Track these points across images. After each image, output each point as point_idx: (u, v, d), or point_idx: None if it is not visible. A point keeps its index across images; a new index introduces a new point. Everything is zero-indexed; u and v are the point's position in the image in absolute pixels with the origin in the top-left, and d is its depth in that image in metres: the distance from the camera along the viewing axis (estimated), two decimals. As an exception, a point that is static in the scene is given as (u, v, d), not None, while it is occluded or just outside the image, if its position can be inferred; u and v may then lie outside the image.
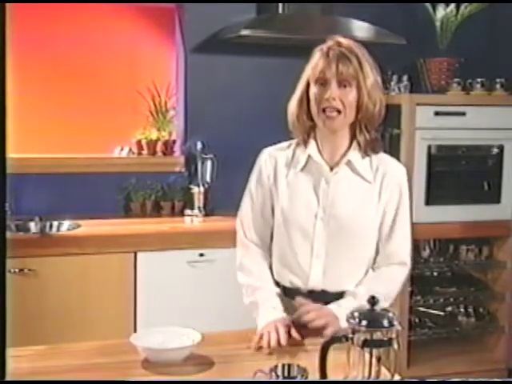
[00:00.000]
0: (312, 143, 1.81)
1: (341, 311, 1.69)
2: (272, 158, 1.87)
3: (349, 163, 1.79)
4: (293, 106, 1.80)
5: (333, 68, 1.69)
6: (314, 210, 1.79)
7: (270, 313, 1.76)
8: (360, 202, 1.79)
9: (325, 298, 1.80)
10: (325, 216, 1.78)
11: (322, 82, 1.71)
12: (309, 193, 1.80)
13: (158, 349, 1.59)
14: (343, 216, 1.78)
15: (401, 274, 1.87)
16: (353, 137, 1.79)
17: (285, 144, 1.89)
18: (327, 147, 1.80)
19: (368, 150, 1.78)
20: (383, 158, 1.84)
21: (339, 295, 1.80)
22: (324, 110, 1.71)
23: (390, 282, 1.83)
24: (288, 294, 1.85)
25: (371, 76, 1.72)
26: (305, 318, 1.68)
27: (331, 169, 1.80)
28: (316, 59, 1.73)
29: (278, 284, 1.88)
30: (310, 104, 1.76)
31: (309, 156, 1.81)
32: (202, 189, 3.53)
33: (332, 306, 1.74)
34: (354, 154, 1.79)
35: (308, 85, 1.75)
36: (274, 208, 1.86)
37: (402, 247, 1.85)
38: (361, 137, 1.77)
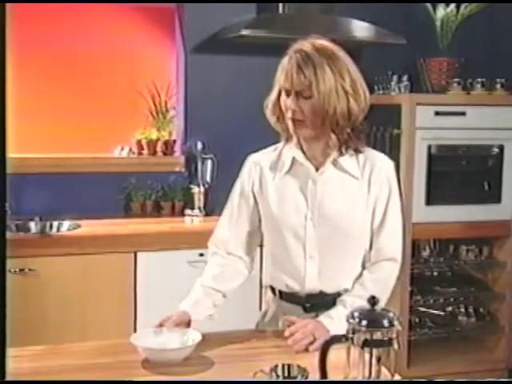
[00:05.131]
0: (296, 144, 1.81)
1: (332, 323, 1.69)
2: (257, 165, 1.87)
3: (334, 162, 1.79)
4: (269, 108, 1.80)
5: (288, 79, 1.70)
6: (303, 211, 1.78)
7: (188, 304, 1.80)
8: (349, 200, 1.78)
9: (323, 300, 1.79)
10: (314, 216, 1.77)
11: (286, 92, 1.73)
12: (297, 195, 1.80)
13: (158, 349, 1.59)
14: (333, 215, 1.77)
15: (391, 271, 1.83)
16: (331, 137, 1.78)
17: (271, 148, 1.89)
18: (311, 147, 1.80)
19: (343, 149, 1.77)
20: (370, 154, 1.83)
21: (338, 296, 1.79)
22: (291, 120, 1.73)
23: (379, 285, 1.78)
24: (285, 298, 1.85)
25: (328, 83, 1.68)
26: (290, 341, 1.66)
27: (317, 169, 1.79)
28: (281, 67, 1.74)
29: (273, 289, 1.88)
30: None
31: (293, 158, 1.81)
32: (202, 189, 3.53)
33: (323, 318, 1.73)
34: (339, 153, 1.78)
35: (280, 90, 1.76)
36: (261, 215, 1.86)
37: (391, 242, 1.83)
38: (335, 138, 1.76)
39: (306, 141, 1.80)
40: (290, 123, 1.74)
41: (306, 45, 1.73)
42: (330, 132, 1.74)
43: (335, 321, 1.70)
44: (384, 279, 1.82)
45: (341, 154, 1.77)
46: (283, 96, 1.74)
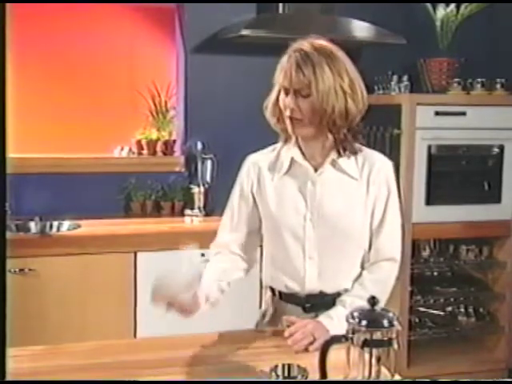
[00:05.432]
0: (294, 145, 1.81)
1: (332, 323, 1.69)
2: (255, 165, 1.87)
3: (333, 162, 1.79)
4: (269, 109, 1.81)
5: (287, 78, 1.71)
6: (302, 212, 1.78)
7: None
8: (348, 200, 1.78)
9: (323, 300, 1.79)
10: (313, 217, 1.78)
11: (285, 91, 1.73)
12: (296, 195, 1.80)
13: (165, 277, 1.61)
14: (332, 215, 1.77)
15: (390, 271, 1.84)
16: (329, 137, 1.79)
17: (269, 148, 1.90)
18: (309, 148, 1.80)
19: (342, 149, 1.78)
20: (368, 154, 1.83)
21: (337, 296, 1.79)
22: (289, 118, 1.73)
23: (379, 285, 1.79)
24: (285, 298, 1.85)
25: (327, 82, 1.69)
26: (290, 341, 1.66)
27: (315, 169, 1.80)
28: (280, 66, 1.75)
29: (272, 290, 1.88)
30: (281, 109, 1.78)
31: (292, 159, 1.81)
32: (202, 189, 3.53)
33: (322, 319, 1.73)
34: (338, 153, 1.78)
35: (280, 90, 1.77)
36: (260, 215, 1.86)
37: (391, 243, 1.83)
38: (332, 138, 1.76)
39: (304, 140, 1.80)
40: (288, 122, 1.75)
41: (305, 44, 1.73)
42: (327, 132, 1.75)
43: (335, 321, 1.70)
44: (383, 279, 1.82)
45: (339, 154, 1.78)
46: (282, 95, 1.75)
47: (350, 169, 1.79)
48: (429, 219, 3.30)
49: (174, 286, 1.61)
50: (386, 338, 1.24)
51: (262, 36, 3.33)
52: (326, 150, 1.79)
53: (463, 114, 3.31)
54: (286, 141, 1.83)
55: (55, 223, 3.26)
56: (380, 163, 1.82)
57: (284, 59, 1.75)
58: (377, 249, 1.82)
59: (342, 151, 1.77)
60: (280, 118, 1.78)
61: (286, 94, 1.73)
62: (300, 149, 1.81)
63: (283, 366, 1.37)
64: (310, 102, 1.70)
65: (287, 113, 1.73)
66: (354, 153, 1.79)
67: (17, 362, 1.47)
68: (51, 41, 3.55)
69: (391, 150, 3.22)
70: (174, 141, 3.69)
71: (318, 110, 1.70)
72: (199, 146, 3.55)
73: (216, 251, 1.92)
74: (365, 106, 1.76)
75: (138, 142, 3.62)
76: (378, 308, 1.27)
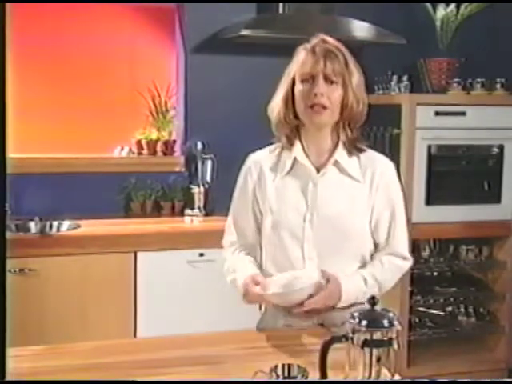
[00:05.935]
0: (297, 145, 1.81)
1: (350, 287, 1.74)
2: (257, 164, 1.87)
3: (336, 163, 1.79)
4: (277, 105, 1.80)
5: (320, 64, 1.70)
6: (302, 212, 1.78)
7: (247, 269, 1.81)
8: (349, 202, 1.78)
9: None
10: (313, 218, 1.77)
11: (309, 79, 1.72)
12: (297, 196, 1.80)
13: (285, 292, 1.68)
14: (332, 217, 1.77)
15: (403, 266, 1.88)
16: (338, 136, 1.79)
17: (271, 148, 1.89)
18: (313, 148, 1.80)
19: (351, 148, 1.79)
20: (371, 156, 1.83)
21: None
22: (311, 107, 1.72)
23: (393, 268, 1.84)
24: None
25: (356, 74, 1.74)
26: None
27: (318, 170, 1.79)
28: (302, 57, 1.75)
29: None
30: (295, 102, 1.76)
31: (295, 159, 1.81)
32: (202, 189, 3.53)
33: (343, 283, 1.74)
34: (341, 154, 1.79)
35: (293, 83, 1.76)
36: (262, 214, 1.86)
37: (402, 243, 1.86)
38: (343, 135, 1.77)
39: (311, 136, 1.79)
40: (309, 111, 1.73)
41: (327, 38, 1.76)
42: (342, 127, 1.75)
43: (352, 290, 1.74)
44: (396, 268, 1.85)
45: (349, 153, 1.78)
46: (300, 86, 1.73)
47: (353, 170, 1.79)
48: (429, 219, 3.30)
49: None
50: (386, 338, 1.24)
51: (262, 36, 3.33)
52: (330, 150, 1.79)
53: (463, 113, 3.31)
54: (290, 144, 1.82)
55: (55, 223, 3.26)
56: (383, 166, 1.83)
57: (302, 53, 1.75)
58: (390, 251, 1.84)
59: (353, 150, 1.78)
60: (292, 113, 1.77)
61: (311, 82, 1.71)
62: (303, 149, 1.80)
63: (283, 365, 1.37)
64: (340, 92, 1.71)
65: (311, 101, 1.71)
66: (359, 153, 1.80)
67: (17, 361, 1.47)
68: (51, 41, 3.55)
69: (391, 149, 3.22)
70: (174, 141, 3.69)
71: (346, 102, 1.72)
72: (199, 146, 3.55)
73: (230, 249, 1.94)
74: None
75: (138, 142, 3.62)
76: (378, 308, 1.28)
